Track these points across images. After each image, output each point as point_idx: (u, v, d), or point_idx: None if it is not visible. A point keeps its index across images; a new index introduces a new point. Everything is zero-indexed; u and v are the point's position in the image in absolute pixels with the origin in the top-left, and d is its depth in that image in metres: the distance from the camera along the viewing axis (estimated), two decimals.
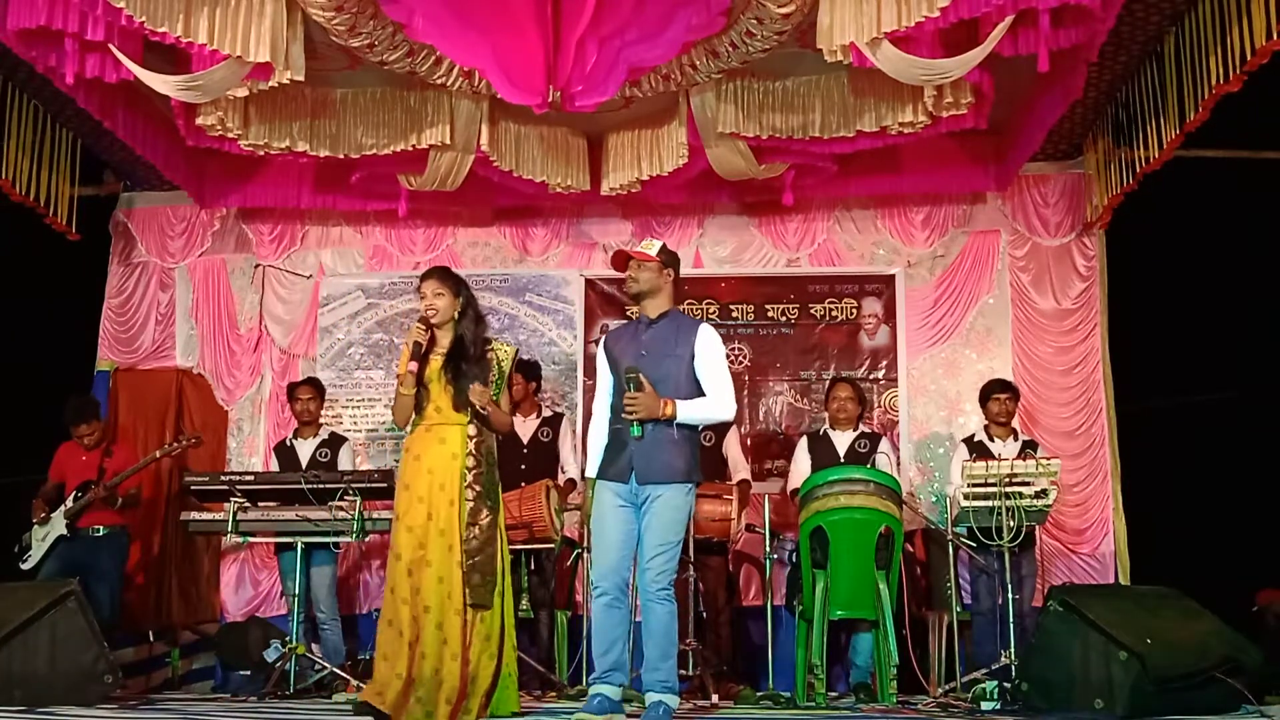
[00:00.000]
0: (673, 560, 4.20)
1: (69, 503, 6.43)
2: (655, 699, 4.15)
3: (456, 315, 4.55)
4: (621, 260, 4.44)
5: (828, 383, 6.87)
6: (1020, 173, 7.38)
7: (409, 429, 4.57)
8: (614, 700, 4.18)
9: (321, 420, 6.91)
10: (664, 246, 4.43)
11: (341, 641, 6.52)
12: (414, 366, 4.42)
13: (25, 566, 6.41)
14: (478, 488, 4.43)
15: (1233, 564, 6.98)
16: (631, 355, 4.31)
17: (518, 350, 4.78)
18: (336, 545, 6.11)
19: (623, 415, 4.20)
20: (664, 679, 4.16)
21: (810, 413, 7.44)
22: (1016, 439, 6.48)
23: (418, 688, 4.23)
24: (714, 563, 6.38)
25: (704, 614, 6.13)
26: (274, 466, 6.76)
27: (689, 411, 4.23)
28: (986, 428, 6.53)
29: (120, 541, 6.58)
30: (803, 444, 6.58)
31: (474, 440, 4.46)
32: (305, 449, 6.71)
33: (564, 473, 6.64)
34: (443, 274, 4.64)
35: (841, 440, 6.45)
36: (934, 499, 6.56)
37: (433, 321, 4.51)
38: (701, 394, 4.30)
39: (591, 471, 4.42)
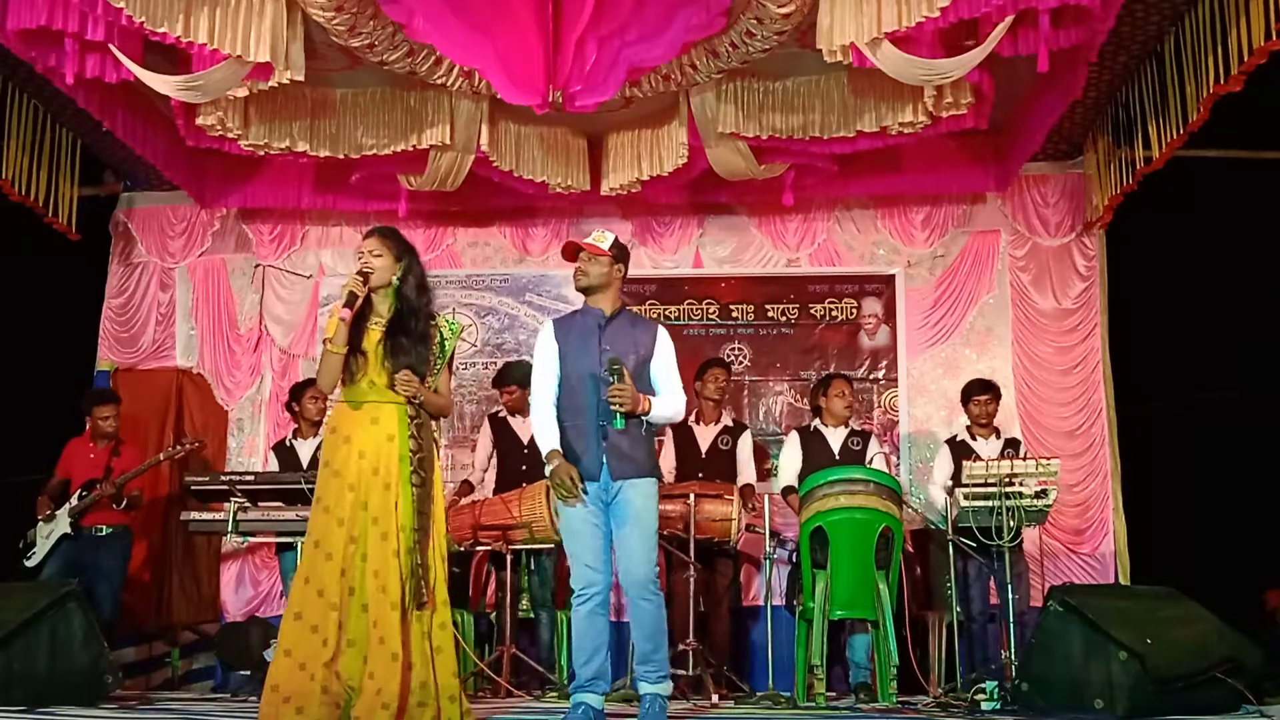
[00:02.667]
0: (652, 556, 4.12)
1: (74, 500, 6.43)
2: (650, 690, 4.11)
3: (397, 280, 4.07)
4: (571, 251, 4.26)
5: (822, 378, 6.78)
6: (1020, 173, 7.39)
7: (338, 402, 4.07)
8: (597, 709, 4.10)
9: (320, 420, 6.91)
10: (616, 240, 4.28)
11: None
12: (346, 314, 3.93)
13: (30, 563, 6.40)
14: (423, 473, 3.95)
15: (1233, 564, 6.98)
16: (591, 351, 4.15)
17: (463, 329, 4.33)
18: None
19: (608, 406, 4.05)
20: (656, 668, 4.12)
21: (810, 412, 7.43)
22: (999, 437, 6.48)
23: (349, 691, 3.77)
24: (719, 564, 6.37)
25: (705, 612, 6.15)
26: (273, 466, 6.75)
27: (659, 409, 4.16)
28: (968, 428, 6.53)
29: (123, 541, 6.58)
30: (794, 438, 6.53)
31: (414, 421, 3.98)
32: (305, 449, 6.70)
33: None
34: (384, 234, 4.14)
35: (834, 437, 6.44)
36: (920, 498, 6.56)
37: (371, 283, 4.03)
38: (651, 391, 4.20)
39: (555, 443, 4.14)
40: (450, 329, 4.15)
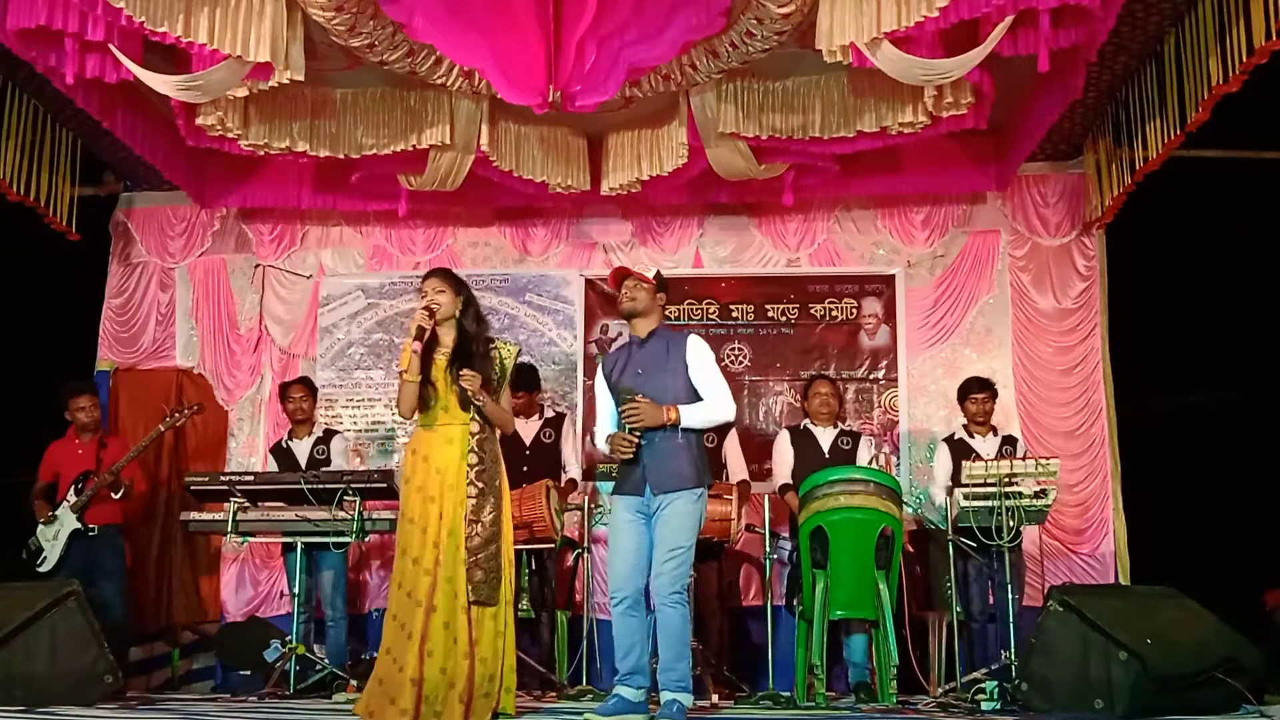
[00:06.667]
0: (685, 565, 4.38)
1: (71, 496, 6.42)
2: (670, 697, 4.33)
3: (458, 313, 4.55)
4: (619, 277, 4.63)
5: (806, 380, 6.88)
6: (1020, 173, 7.39)
7: (416, 427, 4.54)
8: (633, 702, 4.37)
9: (315, 418, 6.91)
10: (659, 273, 4.69)
11: (346, 640, 6.51)
12: (417, 347, 4.41)
13: (43, 569, 6.32)
14: (480, 485, 4.39)
15: (1233, 564, 6.98)
16: (629, 376, 4.51)
17: (520, 349, 4.78)
18: (337, 546, 6.11)
19: (622, 424, 4.42)
20: (678, 678, 4.35)
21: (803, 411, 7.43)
22: (996, 435, 6.50)
23: (426, 688, 4.20)
24: (709, 565, 6.37)
25: (702, 613, 6.15)
26: (272, 468, 6.75)
27: (692, 415, 4.43)
28: (966, 426, 6.55)
29: (116, 540, 6.57)
30: (784, 438, 6.58)
31: (476, 438, 4.43)
32: (302, 449, 6.71)
33: (566, 473, 6.65)
34: (443, 274, 4.65)
35: (824, 436, 6.48)
36: (926, 498, 6.58)
37: (436, 317, 4.50)
38: (698, 401, 4.49)
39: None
40: (507, 350, 4.62)
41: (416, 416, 4.55)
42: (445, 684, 4.21)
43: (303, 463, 6.64)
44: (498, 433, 4.59)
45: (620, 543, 4.45)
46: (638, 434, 4.40)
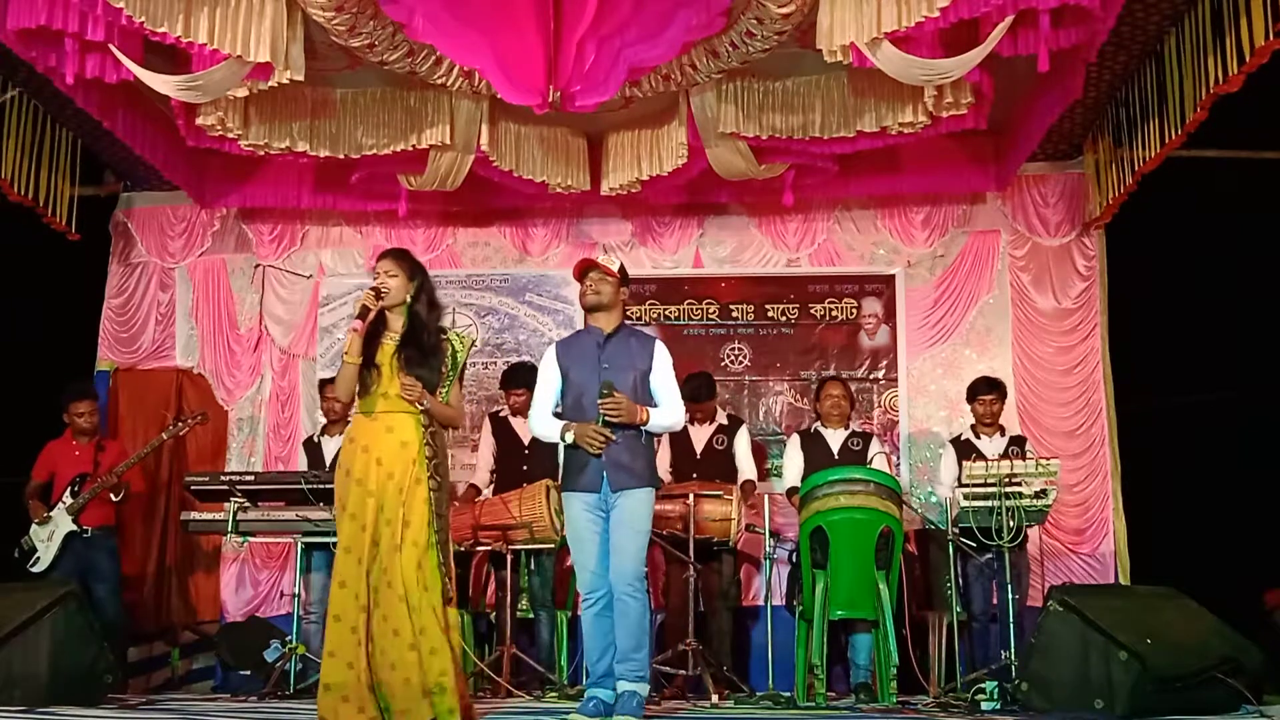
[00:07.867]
0: (641, 555, 4.39)
1: (67, 498, 6.40)
2: (628, 688, 4.31)
3: (409, 299, 4.29)
4: (583, 269, 4.58)
5: (817, 382, 6.89)
6: (1020, 173, 7.39)
7: (355, 413, 4.29)
8: (609, 704, 4.34)
9: (339, 419, 6.91)
10: (622, 266, 4.63)
11: None
12: (358, 326, 4.16)
13: (36, 570, 6.28)
14: (439, 478, 4.19)
15: (1233, 564, 6.98)
16: (591, 368, 4.46)
17: (474, 342, 4.64)
18: (335, 545, 6.10)
19: (603, 419, 4.34)
20: (636, 668, 4.33)
21: (810, 413, 7.44)
22: (1004, 435, 6.49)
23: (378, 684, 4.03)
24: (716, 563, 6.37)
25: (704, 612, 6.15)
26: (302, 463, 6.77)
27: (657, 419, 4.46)
28: (973, 426, 6.54)
29: (111, 542, 6.54)
30: (795, 441, 6.58)
31: (428, 429, 4.21)
32: (331, 446, 6.69)
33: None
34: (397, 255, 4.39)
35: (834, 438, 6.47)
36: (927, 498, 6.57)
37: (384, 302, 4.25)
38: (652, 403, 4.50)
39: (560, 424, 4.48)
40: (460, 342, 4.39)
41: (356, 404, 4.30)
42: (400, 680, 4.01)
43: (329, 459, 6.63)
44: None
45: (586, 542, 4.41)
46: (610, 429, 4.35)
